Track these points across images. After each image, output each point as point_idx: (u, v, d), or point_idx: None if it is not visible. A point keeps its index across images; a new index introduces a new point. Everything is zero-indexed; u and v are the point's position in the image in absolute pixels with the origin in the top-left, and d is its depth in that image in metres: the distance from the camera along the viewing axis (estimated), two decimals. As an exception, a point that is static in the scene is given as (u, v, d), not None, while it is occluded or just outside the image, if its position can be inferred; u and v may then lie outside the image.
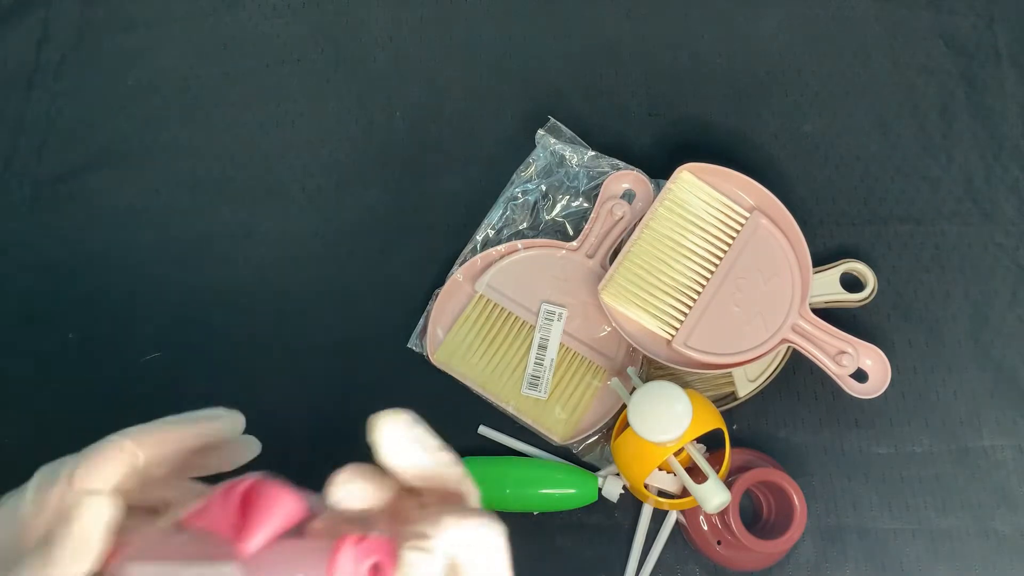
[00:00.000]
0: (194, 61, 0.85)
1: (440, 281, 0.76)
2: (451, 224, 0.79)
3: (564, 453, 0.73)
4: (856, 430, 0.73)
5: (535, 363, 0.73)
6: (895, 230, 0.78)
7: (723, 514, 0.66)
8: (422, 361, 0.75)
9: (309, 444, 0.74)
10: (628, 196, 0.76)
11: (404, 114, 0.83)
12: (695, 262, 0.71)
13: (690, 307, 0.70)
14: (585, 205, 0.77)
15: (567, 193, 0.78)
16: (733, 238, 0.72)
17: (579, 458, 0.73)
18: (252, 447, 0.50)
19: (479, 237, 0.77)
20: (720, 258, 0.71)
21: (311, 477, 0.75)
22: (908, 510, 0.71)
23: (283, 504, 0.44)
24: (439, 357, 0.74)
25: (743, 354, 0.69)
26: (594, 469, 0.72)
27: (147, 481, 0.43)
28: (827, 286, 0.73)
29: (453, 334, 0.75)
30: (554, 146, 0.78)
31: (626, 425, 0.64)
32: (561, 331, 0.74)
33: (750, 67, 0.83)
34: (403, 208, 0.80)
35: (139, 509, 0.42)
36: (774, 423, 0.73)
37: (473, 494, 0.44)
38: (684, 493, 0.66)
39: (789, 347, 0.70)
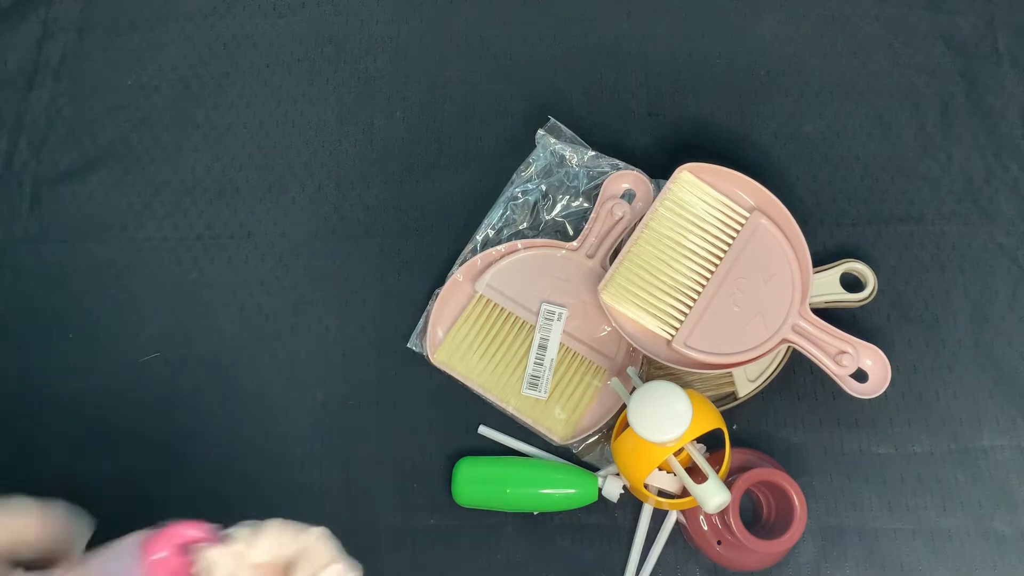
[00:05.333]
0: (194, 61, 0.85)
1: (440, 281, 0.76)
2: (451, 224, 0.79)
3: (564, 453, 0.73)
4: (856, 430, 0.73)
5: (535, 363, 0.73)
6: (895, 230, 0.78)
7: (723, 514, 0.66)
8: (422, 361, 0.75)
9: (309, 444, 0.74)
10: (628, 196, 0.76)
11: (404, 114, 0.83)
12: (695, 262, 0.71)
13: (690, 307, 0.70)
14: (585, 205, 0.77)
15: (567, 193, 0.78)
16: (733, 238, 0.72)
17: (579, 458, 0.73)
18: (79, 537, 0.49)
19: (479, 237, 0.77)
20: (720, 258, 0.71)
21: (311, 476, 0.75)
22: (908, 510, 0.71)
23: None
24: (439, 357, 0.74)
25: (743, 354, 0.69)
26: (594, 469, 0.72)
27: None
28: (827, 286, 0.73)
29: (453, 334, 0.75)
30: (554, 146, 0.78)
31: (626, 425, 0.64)
32: (561, 331, 0.74)
33: (750, 67, 0.84)
34: (403, 208, 0.80)
35: None
36: (774, 423, 0.73)
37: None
38: (684, 493, 0.66)
39: (789, 347, 0.70)
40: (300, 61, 0.85)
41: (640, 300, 0.70)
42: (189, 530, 0.47)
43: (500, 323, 0.75)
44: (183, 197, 0.81)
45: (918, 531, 0.70)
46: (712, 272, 0.71)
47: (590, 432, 0.72)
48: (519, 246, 0.76)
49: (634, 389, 0.65)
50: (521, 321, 0.74)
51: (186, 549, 0.47)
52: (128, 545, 0.47)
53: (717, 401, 0.72)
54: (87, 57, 0.86)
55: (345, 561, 0.47)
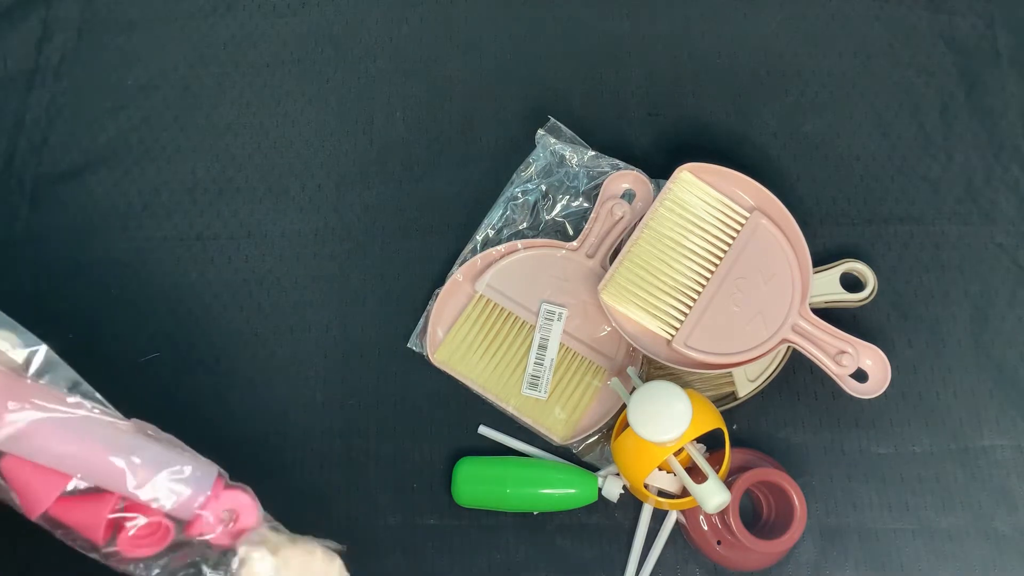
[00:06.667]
0: (194, 61, 0.85)
1: (440, 281, 0.76)
2: (451, 224, 0.79)
3: (564, 453, 0.73)
4: (856, 430, 0.73)
5: (535, 363, 0.73)
6: (895, 230, 0.78)
7: (723, 514, 0.67)
8: (422, 361, 0.75)
9: (309, 444, 0.74)
10: (628, 196, 0.76)
11: (404, 114, 0.83)
12: (695, 262, 0.71)
13: (690, 307, 0.70)
14: (585, 205, 0.77)
15: (567, 193, 0.78)
16: (733, 238, 0.72)
17: (579, 458, 0.73)
18: None
19: (479, 237, 0.77)
20: (720, 258, 0.71)
21: (309, 476, 0.75)
22: (908, 510, 0.71)
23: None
24: (439, 357, 0.74)
25: (743, 354, 0.69)
26: (594, 469, 0.72)
27: None
28: (827, 286, 0.73)
29: (453, 334, 0.75)
30: (554, 146, 0.78)
31: (626, 425, 0.64)
32: (561, 331, 0.74)
33: (750, 67, 0.84)
34: (403, 208, 0.80)
35: None
36: (774, 423, 0.73)
37: None
38: (684, 493, 0.66)
39: (789, 347, 0.70)
40: (300, 61, 0.85)
41: (640, 300, 0.70)
42: (251, 513, 0.57)
43: (500, 323, 0.75)
44: (183, 197, 0.81)
45: (918, 531, 0.70)
46: (712, 272, 0.71)
47: (590, 432, 0.73)
48: (519, 246, 0.76)
49: (634, 389, 0.65)
50: (521, 321, 0.74)
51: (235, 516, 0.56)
52: (210, 469, 0.57)
53: (717, 401, 0.72)
54: (87, 57, 0.86)
55: None
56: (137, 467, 0.55)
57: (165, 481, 0.56)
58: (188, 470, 0.57)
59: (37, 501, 0.56)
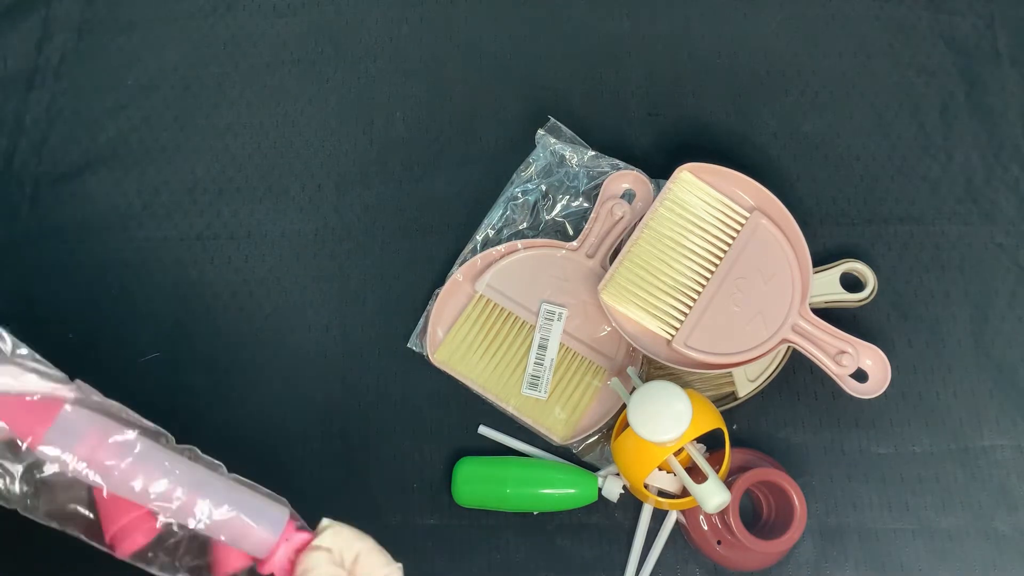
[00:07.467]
0: (194, 61, 0.85)
1: (440, 281, 0.76)
2: (451, 224, 0.79)
3: (564, 453, 0.73)
4: (856, 430, 0.73)
5: (535, 363, 0.73)
6: (895, 230, 0.78)
7: (723, 514, 0.67)
8: (422, 361, 0.75)
9: (309, 444, 0.74)
10: (628, 196, 0.76)
11: (404, 114, 0.83)
12: (695, 262, 0.71)
13: (690, 307, 0.70)
14: (585, 205, 0.77)
15: (567, 193, 0.78)
16: (733, 238, 0.72)
17: (579, 458, 0.73)
18: None
19: (479, 237, 0.77)
20: (720, 258, 0.71)
21: (309, 476, 0.75)
22: (908, 510, 0.71)
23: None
24: (439, 357, 0.74)
25: (743, 354, 0.69)
26: (594, 469, 0.72)
27: None
28: (827, 286, 0.73)
29: (453, 334, 0.75)
30: (554, 146, 0.78)
31: (626, 425, 0.64)
32: (561, 331, 0.74)
33: (750, 67, 0.84)
34: (403, 208, 0.80)
35: None
36: (774, 423, 0.73)
37: None
38: (684, 493, 0.66)
39: (789, 347, 0.70)
40: (300, 61, 0.85)
41: (640, 300, 0.70)
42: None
43: (500, 323, 0.75)
44: (183, 197, 0.81)
45: (918, 531, 0.70)
46: (712, 272, 0.71)
47: (590, 432, 0.73)
48: (519, 246, 0.76)
49: (634, 389, 0.65)
50: (521, 321, 0.74)
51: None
52: (280, 510, 0.55)
53: (717, 401, 0.72)
54: (87, 57, 0.86)
55: None
56: (211, 507, 0.54)
57: (238, 522, 0.54)
58: (261, 512, 0.55)
59: (130, 539, 0.55)
